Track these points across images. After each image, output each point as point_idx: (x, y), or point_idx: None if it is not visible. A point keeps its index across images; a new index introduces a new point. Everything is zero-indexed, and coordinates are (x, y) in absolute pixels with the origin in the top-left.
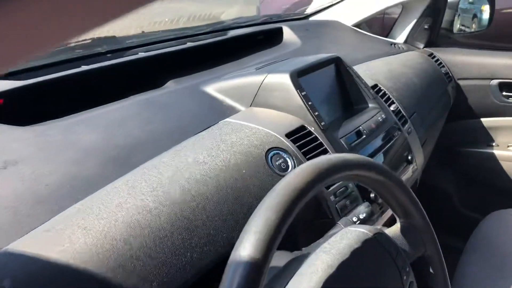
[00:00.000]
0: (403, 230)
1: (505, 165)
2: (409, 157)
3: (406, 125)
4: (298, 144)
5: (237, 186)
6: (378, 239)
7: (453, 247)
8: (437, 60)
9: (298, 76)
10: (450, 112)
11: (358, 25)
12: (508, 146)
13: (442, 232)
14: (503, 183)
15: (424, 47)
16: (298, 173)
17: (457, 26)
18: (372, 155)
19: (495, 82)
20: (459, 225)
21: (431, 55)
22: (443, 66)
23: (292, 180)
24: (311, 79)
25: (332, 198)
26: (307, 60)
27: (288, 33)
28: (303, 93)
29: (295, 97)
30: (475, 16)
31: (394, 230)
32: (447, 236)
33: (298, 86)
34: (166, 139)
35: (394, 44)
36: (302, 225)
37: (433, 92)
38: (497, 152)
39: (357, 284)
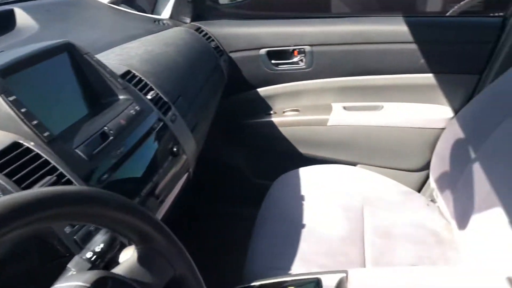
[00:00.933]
0: (141, 258)
1: (284, 130)
2: (175, 149)
3: (170, 113)
4: (7, 170)
5: None
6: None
7: (249, 216)
8: (206, 34)
9: (4, 76)
10: (227, 86)
11: (116, 1)
12: (283, 112)
13: (237, 204)
14: (286, 147)
15: (191, 22)
16: None
17: None
18: (124, 158)
19: (263, 51)
20: (252, 194)
21: (198, 29)
22: (213, 40)
23: None
24: (28, 76)
25: (67, 230)
26: (20, 52)
27: (22, 17)
28: (11, 98)
29: (1, 105)
30: None
31: (129, 263)
32: (242, 206)
33: (3, 89)
34: None
35: (159, 20)
36: (26, 276)
37: (203, 69)
38: (275, 119)
39: None
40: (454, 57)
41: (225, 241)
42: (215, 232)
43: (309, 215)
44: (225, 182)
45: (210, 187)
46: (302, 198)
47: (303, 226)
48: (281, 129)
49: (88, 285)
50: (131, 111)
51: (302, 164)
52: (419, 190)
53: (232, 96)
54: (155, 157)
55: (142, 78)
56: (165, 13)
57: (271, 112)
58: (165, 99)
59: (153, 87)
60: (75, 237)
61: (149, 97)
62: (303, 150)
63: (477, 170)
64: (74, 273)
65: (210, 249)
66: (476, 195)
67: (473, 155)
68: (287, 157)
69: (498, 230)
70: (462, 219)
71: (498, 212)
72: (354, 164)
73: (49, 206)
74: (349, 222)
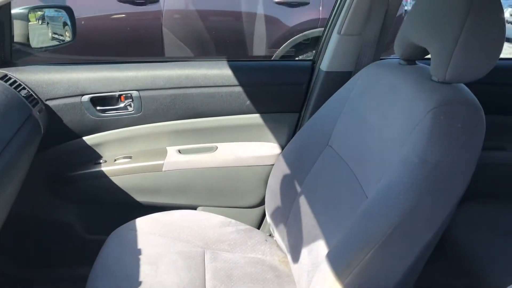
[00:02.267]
0: None
1: (116, 180)
2: None
3: None
4: None
5: None
6: None
7: (86, 277)
8: (15, 82)
9: None
10: (45, 138)
11: None
12: (114, 160)
13: (70, 265)
14: (120, 198)
15: None
16: None
17: (49, 35)
18: None
19: (86, 97)
20: (86, 252)
21: (4, 77)
22: (24, 88)
23: None
24: None
25: None
26: None
27: None
28: None
29: None
30: (66, 24)
31: None
32: (76, 267)
33: None
34: None
35: None
36: None
37: (9, 123)
38: (106, 168)
39: None
40: (276, 97)
41: None
42: None
43: (146, 270)
44: (54, 242)
45: (36, 250)
46: (138, 252)
47: (139, 284)
48: (113, 178)
49: None
50: None
51: (138, 214)
52: (258, 226)
53: (53, 147)
54: None
55: None
56: None
57: (101, 161)
58: None
59: None
60: None
61: None
62: (139, 198)
63: (303, 203)
64: None
65: None
66: (303, 227)
67: (298, 188)
68: (122, 208)
69: (321, 261)
70: (295, 252)
71: (321, 244)
72: (194, 208)
73: None
74: (190, 271)
